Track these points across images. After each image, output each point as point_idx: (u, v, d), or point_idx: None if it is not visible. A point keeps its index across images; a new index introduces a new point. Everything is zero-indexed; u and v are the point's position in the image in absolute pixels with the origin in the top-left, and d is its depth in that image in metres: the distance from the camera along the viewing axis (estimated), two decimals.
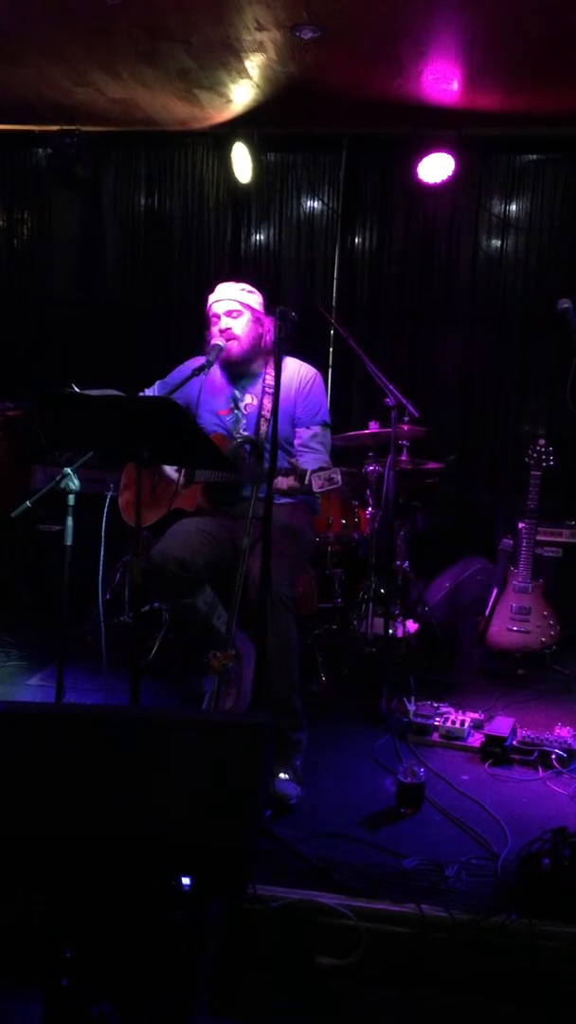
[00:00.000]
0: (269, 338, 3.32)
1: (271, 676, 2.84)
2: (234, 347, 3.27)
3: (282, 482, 2.83)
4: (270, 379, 3.30)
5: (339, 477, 2.75)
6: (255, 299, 3.34)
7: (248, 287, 3.35)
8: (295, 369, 3.33)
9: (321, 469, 2.75)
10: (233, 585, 2.78)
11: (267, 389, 3.32)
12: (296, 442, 3.29)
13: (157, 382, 3.51)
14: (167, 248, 5.91)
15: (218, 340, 3.26)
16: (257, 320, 3.31)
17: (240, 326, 3.27)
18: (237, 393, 3.38)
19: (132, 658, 2.69)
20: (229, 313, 3.27)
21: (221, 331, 3.27)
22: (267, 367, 3.36)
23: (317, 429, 3.30)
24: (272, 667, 2.85)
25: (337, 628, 4.43)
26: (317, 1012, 2.23)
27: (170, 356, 3.56)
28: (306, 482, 2.72)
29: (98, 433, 2.71)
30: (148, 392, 3.47)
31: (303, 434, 3.29)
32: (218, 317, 3.29)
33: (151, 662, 4.09)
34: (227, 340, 3.26)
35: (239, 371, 3.37)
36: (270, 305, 3.28)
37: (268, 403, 3.28)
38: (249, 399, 3.36)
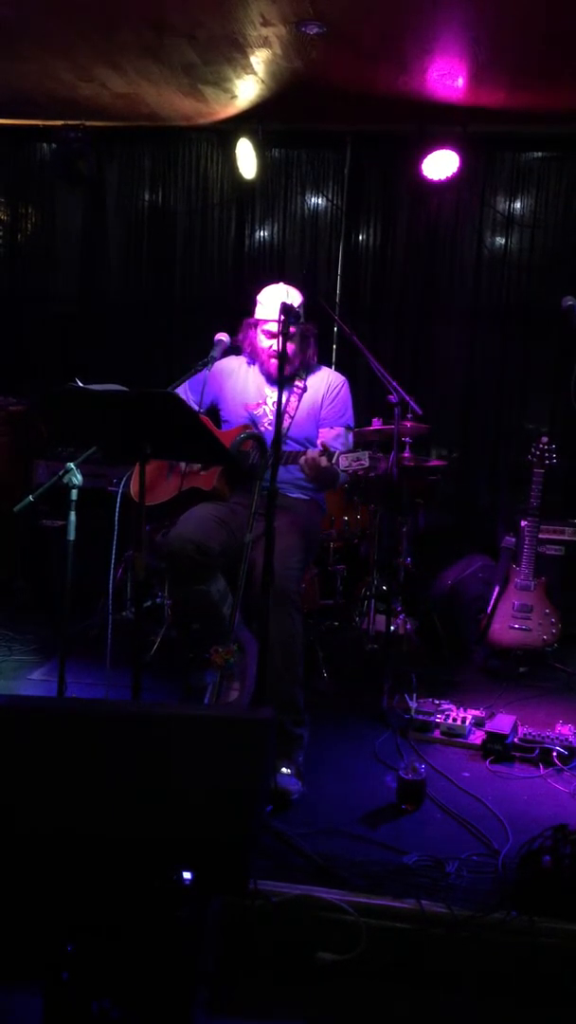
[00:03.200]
0: (311, 351, 3.40)
1: (274, 671, 2.84)
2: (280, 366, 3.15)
3: (313, 451, 2.85)
4: (300, 382, 3.38)
5: (367, 460, 2.74)
6: (301, 312, 3.25)
7: (299, 297, 3.34)
8: (325, 375, 3.46)
9: (349, 451, 2.75)
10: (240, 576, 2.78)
11: (295, 390, 3.38)
12: (318, 440, 3.33)
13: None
14: (171, 244, 5.90)
15: (261, 343, 3.32)
16: (303, 336, 3.35)
17: (291, 350, 3.26)
18: (268, 391, 3.42)
19: (134, 653, 2.69)
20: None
21: (271, 350, 3.29)
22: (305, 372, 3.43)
23: (340, 430, 3.35)
24: (275, 662, 2.86)
25: (339, 625, 4.44)
26: (317, 1008, 2.23)
27: (173, 352, 3.56)
28: (334, 461, 2.72)
29: (101, 428, 2.71)
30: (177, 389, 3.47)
31: (326, 433, 3.34)
32: (270, 335, 3.32)
33: (153, 657, 4.10)
34: (274, 358, 3.22)
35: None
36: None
37: (294, 401, 3.35)
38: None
